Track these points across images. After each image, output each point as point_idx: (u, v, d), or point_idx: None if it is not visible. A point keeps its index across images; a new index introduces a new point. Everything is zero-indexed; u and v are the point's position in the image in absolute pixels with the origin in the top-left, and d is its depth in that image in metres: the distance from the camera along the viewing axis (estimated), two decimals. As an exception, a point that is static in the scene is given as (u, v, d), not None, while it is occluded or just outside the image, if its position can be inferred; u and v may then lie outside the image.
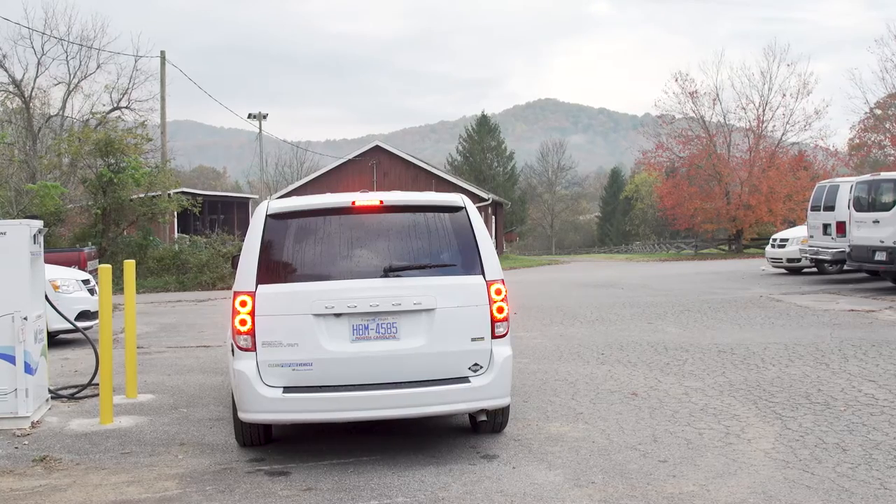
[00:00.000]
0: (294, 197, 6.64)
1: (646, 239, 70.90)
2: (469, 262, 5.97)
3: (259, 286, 5.71)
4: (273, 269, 5.82)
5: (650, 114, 57.46)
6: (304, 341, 5.64)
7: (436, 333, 5.75)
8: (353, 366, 5.67)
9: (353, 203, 6.01)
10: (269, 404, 5.59)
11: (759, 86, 44.51)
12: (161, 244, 27.67)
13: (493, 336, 5.88)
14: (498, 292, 5.93)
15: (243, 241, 6.12)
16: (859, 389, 7.33)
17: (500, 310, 5.93)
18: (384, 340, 5.73)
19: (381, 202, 6.06)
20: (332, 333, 5.68)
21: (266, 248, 5.86)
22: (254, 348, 5.64)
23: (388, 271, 5.87)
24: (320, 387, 5.64)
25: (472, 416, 6.23)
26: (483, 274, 5.92)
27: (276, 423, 6.10)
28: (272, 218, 5.96)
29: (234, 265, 6.08)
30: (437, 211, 6.15)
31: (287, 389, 5.61)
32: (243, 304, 5.67)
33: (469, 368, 5.80)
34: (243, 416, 5.77)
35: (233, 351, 5.82)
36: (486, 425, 6.29)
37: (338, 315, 5.69)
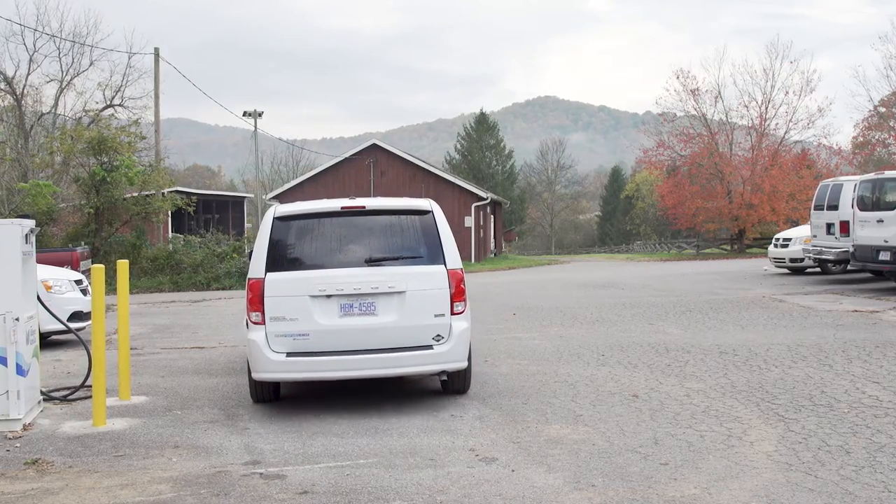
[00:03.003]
0: (297, 202, 8.00)
1: (647, 238, 70.83)
2: (434, 254, 7.28)
3: (268, 274, 7.08)
4: (279, 260, 7.18)
5: (651, 111, 57.54)
6: (302, 317, 6.98)
7: (406, 311, 7.07)
8: (341, 336, 7.03)
9: (342, 208, 7.42)
10: (276, 366, 6.96)
11: (761, 83, 44.36)
12: (148, 244, 27.29)
13: (453, 313, 7.17)
14: (457, 279, 7.21)
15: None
16: (863, 391, 7.26)
17: (459, 292, 7.19)
18: (365, 316, 7.08)
19: (364, 207, 7.45)
20: (324, 311, 7.02)
21: (273, 243, 7.22)
22: (263, 322, 6.99)
23: (369, 262, 7.22)
24: (315, 352, 7.00)
25: (441, 379, 7.63)
26: (445, 264, 7.22)
27: (282, 381, 7.43)
28: (278, 220, 7.35)
29: (250, 257, 7.34)
30: (409, 214, 7.51)
31: (289, 354, 6.97)
32: (256, 287, 7.03)
33: (433, 339, 7.11)
34: (256, 375, 7.13)
35: (247, 325, 7.17)
36: (450, 385, 7.67)
37: (329, 296, 7.04)
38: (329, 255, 7.27)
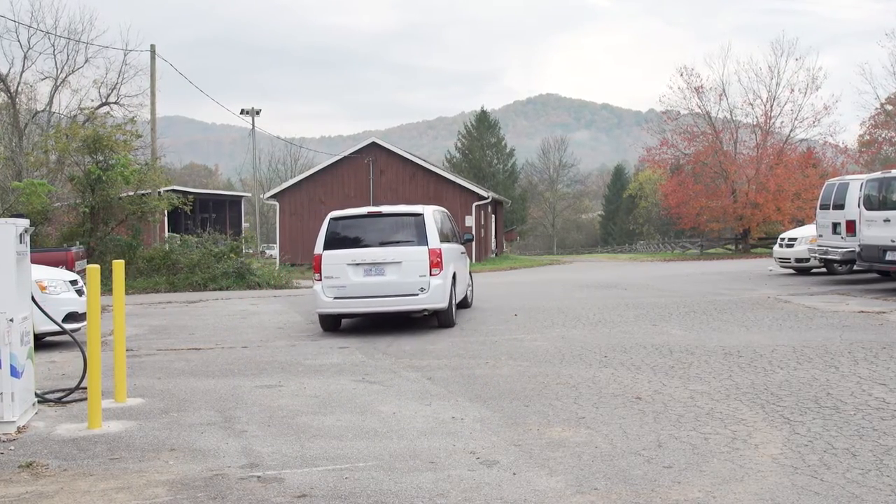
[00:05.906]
0: (345, 209, 12.99)
1: (650, 238, 70.77)
2: (421, 239, 11.96)
3: (324, 251, 11.97)
4: (330, 243, 12.04)
5: (655, 109, 57.38)
6: (342, 276, 11.78)
7: (402, 273, 11.75)
8: (364, 287, 11.77)
9: (368, 212, 12.60)
10: (328, 304, 11.89)
11: (766, 80, 44.32)
12: (142, 245, 27.02)
13: (431, 275, 11.76)
14: (435, 254, 11.82)
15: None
16: (870, 393, 7.16)
17: (436, 262, 11.80)
18: (378, 276, 11.80)
19: (381, 211, 12.53)
20: (355, 273, 11.81)
21: (328, 233, 12.12)
22: (321, 279, 11.89)
23: (381, 244, 12.04)
24: (350, 297, 11.80)
25: (423, 315, 12.51)
26: (427, 245, 11.87)
27: (332, 314, 12.14)
28: (332, 220, 12.30)
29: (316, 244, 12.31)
30: (408, 215, 12.36)
31: (335, 298, 11.82)
32: (317, 259, 11.94)
33: (419, 290, 11.74)
34: (318, 311, 12.17)
35: (313, 282, 12.25)
36: (439, 322, 12.35)
37: (357, 264, 11.82)
38: (359, 240, 12.17)
